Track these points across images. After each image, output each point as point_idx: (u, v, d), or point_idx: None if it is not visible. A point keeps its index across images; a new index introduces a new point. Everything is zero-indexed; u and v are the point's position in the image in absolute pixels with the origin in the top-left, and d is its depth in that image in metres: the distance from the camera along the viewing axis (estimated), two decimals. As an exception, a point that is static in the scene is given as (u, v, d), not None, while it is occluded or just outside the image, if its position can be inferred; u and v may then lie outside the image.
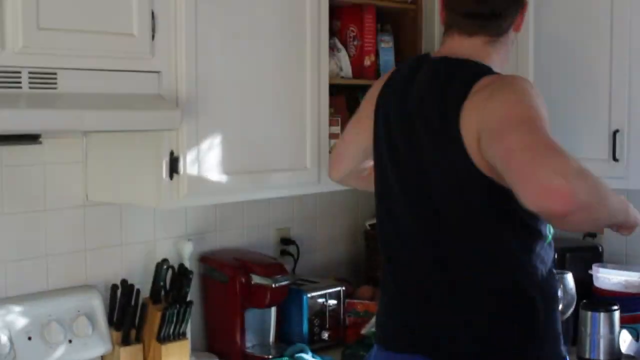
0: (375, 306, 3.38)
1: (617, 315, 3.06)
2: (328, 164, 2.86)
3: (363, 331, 3.26)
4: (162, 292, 2.93)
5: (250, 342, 3.16)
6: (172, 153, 2.62)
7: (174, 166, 2.62)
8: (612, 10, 3.17)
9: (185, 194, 2.68)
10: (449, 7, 2.29)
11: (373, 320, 3.23)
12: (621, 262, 3.42)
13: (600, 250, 3.45)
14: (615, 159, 3.12)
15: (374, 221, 3.62)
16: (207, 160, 2.73)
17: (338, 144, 2.66)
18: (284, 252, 3.58)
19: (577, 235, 3.60)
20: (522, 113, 2.04)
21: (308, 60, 3.05)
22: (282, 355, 3.09)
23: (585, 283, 3.21)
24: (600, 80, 3.21)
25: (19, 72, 2.23)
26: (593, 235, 3.55)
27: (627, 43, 3.14)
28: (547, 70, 3.40)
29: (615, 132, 3.13)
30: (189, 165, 2.66)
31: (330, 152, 3.10)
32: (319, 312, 3.30)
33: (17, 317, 2.67)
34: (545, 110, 2.09)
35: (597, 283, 3.25)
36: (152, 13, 2.52)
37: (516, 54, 3.34)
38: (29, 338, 2.66)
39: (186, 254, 3.09)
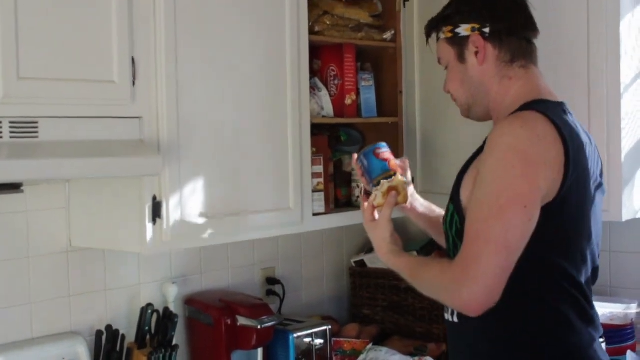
0: (361, 344, 3.41)
1: (603, 347, 2.86)
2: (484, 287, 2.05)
3: None
4: (148, 337, 2.91)
5: (237, 384, 3.13)
6: (154, 198, 2.61)
7: (156, 211, 2.61)
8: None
9: (169, 239, 2.66)
10: (512, 34, 2.19)
11: (360, 358, 3.24)
12: (606, 294, 3.39)
13: None
14: None
15: (358, 258, 3.65)
16: (190, 204, 2.71)
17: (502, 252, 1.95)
18: (269, 292, 3.56)
19: None
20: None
21: (289, 101, 3.05)
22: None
23: None
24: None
25: (0, 123, 2.23)
26: None
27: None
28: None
29: None
30: (172, 209, 2.65)
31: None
32: (306, 352, 3.28)
33: None
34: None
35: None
36: (132, 59, 2.53)
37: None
38: None
39: (171, 297, 3.08)
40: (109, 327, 2.81)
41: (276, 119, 3.02)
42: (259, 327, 3.02)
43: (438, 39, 2.28)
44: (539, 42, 2.34)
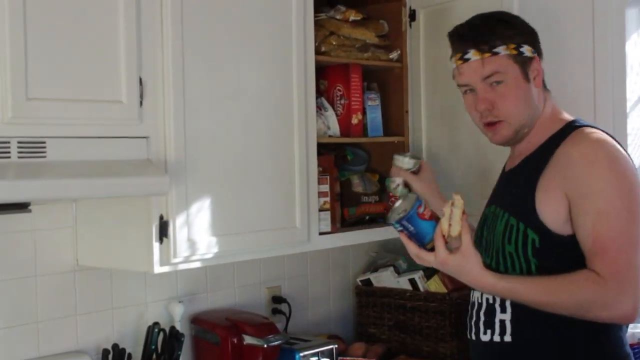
0: None
1: None
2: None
3: None
4: (154, 356, 2.90)
5: (243, 403, 3.12)
6: (161, 217, 2.61)
7: (163, 230, 2.61)
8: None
9: (176, 258, 2.67)
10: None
11: None
12: None
13: None
14: None
15: (364, 277, 3.65)
16: (196, 224, 2.71)
17: None
18: (275, 311, 3.54)
19: None
20: None
21: (295, 120, 3.05)
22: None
23: None
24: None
25: (8, 142, 2.25)
26: None
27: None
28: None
29: None
30: (178, 229, 2.65)
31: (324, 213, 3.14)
32: None
33: None
34: None
35: None
36: (140, 79, 2.54)
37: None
38: None
39: (177, 315, 3.07)
40: (115, 346, 2.80)
41: (283, 139, 3.02)
42: (265, 346, 3.01)
43: (492, 53, 2.21)
44: (547, 60, 2.44)
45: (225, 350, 3.06)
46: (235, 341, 3.06)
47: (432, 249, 2.11)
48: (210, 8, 2.79)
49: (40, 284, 2.83)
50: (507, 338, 2.19)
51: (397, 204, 2.25)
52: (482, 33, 2.23)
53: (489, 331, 2.23)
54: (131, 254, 2.74)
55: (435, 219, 2.14)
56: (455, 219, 2.11)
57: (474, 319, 2.29)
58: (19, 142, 2.27)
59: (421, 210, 2.13)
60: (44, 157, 2.33)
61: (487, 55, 2.20)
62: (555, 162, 2.17)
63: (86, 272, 2.91)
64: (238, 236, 2.87)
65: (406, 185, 2.74)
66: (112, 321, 3.00)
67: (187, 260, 2.73)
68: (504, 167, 2.45)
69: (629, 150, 3.08)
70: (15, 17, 2.32)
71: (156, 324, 2.92)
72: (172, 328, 2.98)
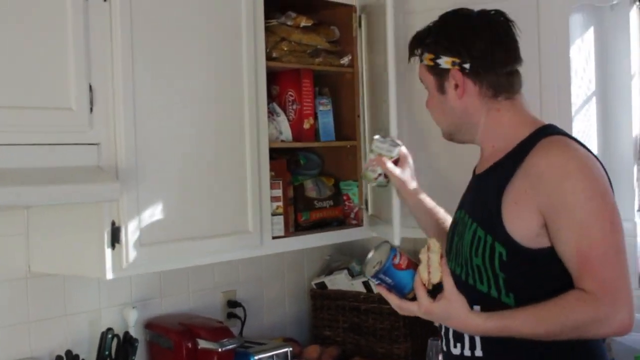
0: None
1: None
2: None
3: None
4: (110, 355, 2.91)
5: (198, 409, 3.13)
6: (113, 223, 2.61)
7: (115, 236, 2.61)
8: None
9: (128, 264, 2.66)
10: (490, 70, 2.14)
11: None
12: None
13: None
14: None
15: (319, 280, 3.67)
16: (149, 229, 2.72)
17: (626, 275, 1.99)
18: (230, 315, 3.57)
19: None
20: None
21: (247, 125, 3.06)
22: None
23: None
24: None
25: None
26: None
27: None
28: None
29: None
30: (130, 234, 2.65)
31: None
32: None
33: None
34: None
35: None
36: (90, 86, 2.54)
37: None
38: None
39: (131, 321, 3.08)
40: (68, 353, 2.82)
41: (234, 143, 3.04)
42: (220, 349, 3.03)
43: (421, 60, 2.21)
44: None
45: (179, 354, 3.08)
46: (190, 345, 3.08)
47: (414, 298, 2.01)
48: (160, 15, 2.80)
49: None
50: (478, 352, 2.10)
51: (370, 255, 2.09)
52: (415, 40, 2.23)
53: (459, 345, 2.15)
54: (83, 260, 2.73)
55: (413, 266, 2.01)
56: (434, 266, 1.99)
57: (444, 329, 2.20)
58: None
59: (397, 260, 1.99)
60: None
61: (418, 62, 2.22)
62: (523, 172, 2.06)
63: (39, 278, 2.90)
64: (191, 241, 2.87)
65: (385, 175, 2.55)
66: (66, 328, 2.99)
67: (139, 265, 2.72)
68: (474, 169, 2.35)
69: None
70: None
71: (109, 329, 2.92)
72: (126, 333, 2.99)
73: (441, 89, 2.17)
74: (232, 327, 3.42)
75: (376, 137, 2.58)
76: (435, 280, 1.96)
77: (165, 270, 3.14)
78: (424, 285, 1.97)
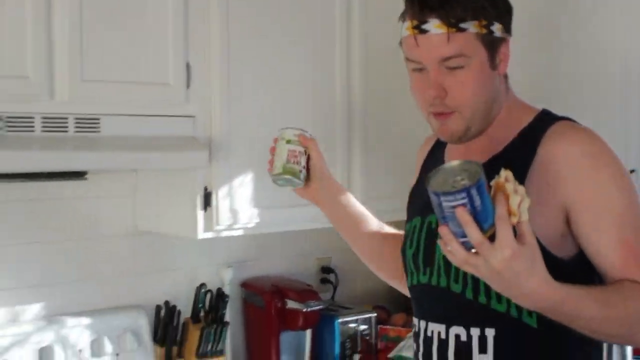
0: (406, 332, 3.48)
1: (629, 349, 2.87)
2: None
3: (390, 355, 3.37)
4: (202, 313, 3.10)
5: (286, 362, 3.29)
6: (205, 188, 2.78)
7: (207, 200, 2.78)
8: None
9: (218, 226, 2.83)
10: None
11: (401, 344, 3.36)
12: None
13: None
14: None
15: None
16: (238, 195, 2.86)
17: None
18: (324, 280, 3.69)
19: None
20: None
21: (338, 103, 3.15)
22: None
23: None
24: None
25: (66, 119, 2.44)
26: None
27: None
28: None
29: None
30: (221, 199, 2.80)
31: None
32: (352, 337, 3.40)
33: (71, 332, 2.84)
34: None
35: None
36: (187, 64, 2.71)
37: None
38: (80, 351, 2.83)
39: (226, 279, 3.25)
40: (167, 303, 3.02)
41: (323, 120, 3.12)
42: (305, 310, 3.17)
43: (458, 28, 1.70)
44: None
45: (269, 312, 3.22)
46: (279, 305, 3.22)
47: (491, 238, 1.48)
48: None
49: (101, 245, 3.02)
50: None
51: (449, 165, 1.54)
52: (456, 2, 1.70)
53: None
54: (180, 221, 2.89)
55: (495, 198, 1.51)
56: (525, 200, 1.51)
57: (435, 357, 1.83)
58: (75, 119, 2.46)
59: (487, 182, 1.50)
60: (99, 132, 2.52)
61: (452, 30, 1.69)
62: (541, 164, 1.76)
63: (144, 236, 3.08)
64: (279, 209, 2.97)
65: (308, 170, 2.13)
66: (166, 281, 3.18)
67: (229, 228, 2.88)
68: (441, 162, 1.91)
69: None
70: (73, 5, 2.48)
71: (203, 285, 3.10)
72: (219, 290, 3.16)
73: (493, 64, 1.75)
74: (324, 292, 3.55)
75: (286, 128, 2.10)
76: (524, 218, 1.48)
77: (262, 234, 3.24)
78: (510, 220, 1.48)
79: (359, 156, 3.31)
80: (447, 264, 1.74)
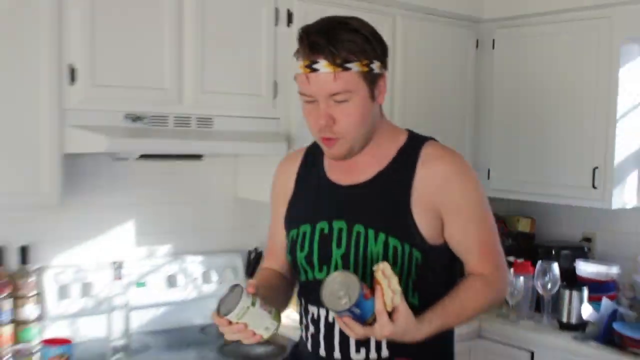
0: None
1: (585, 294, 3.11)
2: None
3: None
4: None
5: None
6: None
7: None
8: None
9: None
10: None
11: None
12: (609, 260, 3.40)
13: (587, 249, 3.50)
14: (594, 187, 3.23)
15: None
16: None
17: None
18: None
19: (574, 237, 3.67)
20: None
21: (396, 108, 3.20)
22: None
23: (571, 271, 3.30)
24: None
25: (190, 117, 2.61)
26: (588, 239, 3.62)
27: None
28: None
29: (594, 169, 3.22)
30: None
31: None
32: None
33: (189, 265, 2.99)
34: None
35: (578, 272, 3.29)
36: (275, 82, 2.85)
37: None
38: (195, 279, 2.99)
39: None
40: (255, 249, 3.15)
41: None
42: None
43: (343, 68, 1.60)
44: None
45: None
46: None
47: (371, 323, 1.56)
48: None
49: (212, 207, 3.15)
50: (384, 353, 1.73)
51: (335, 277, 1.55)
52: (337, 42, 1.60)
53: (362, 349, 1.73)
54: (264, 191, 2.57)
55: (371, 293, 1.55)
56: (397, 289, 1.57)
57: (338, 336, 1.74)
58: (197, 118, 2.62)
59: (364, 290, 1.53)
60: (212, 127, 2.66)
61: (338, 69, 1.60)
62: (424, 178, 1.73)
63: (241, 201, 3.18)
64: None
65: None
66: (256, 234, 3.21)
67: None
68: (324, 178, 1.83)
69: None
70: (197, 36, 2.62)
71: None
72: None
73: (372, 96, 1.67)
74: None
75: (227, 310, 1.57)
76: (397, 302, 1.55)
77: None
78: (386, 309, 1.54)
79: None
80: (344, 261, 1.70)
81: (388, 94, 3.06)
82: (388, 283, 1.54)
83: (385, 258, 1.67)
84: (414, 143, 1.78)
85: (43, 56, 2.32)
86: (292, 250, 1.81)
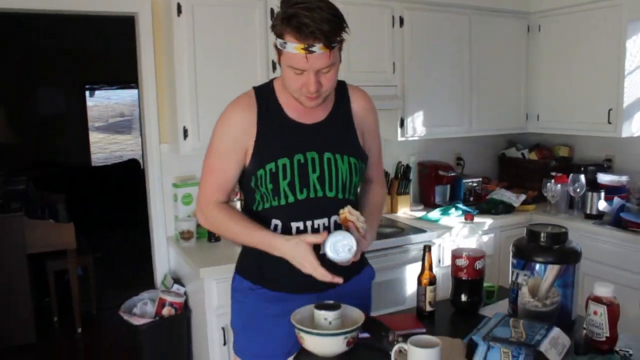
0: (495, 185, 3.67)
1: (602, 195, 3.39)
2: None
3: (487, 197, 3.69)
4: (399, 175, 3.62)
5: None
6: (401, 118, 3.34)
7: (402, 122, 3.37)
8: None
9: (407, 134, 3.37)
10: None
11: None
12: (624, 172, 3.56)
13: (606, 166, 3.67)
14: (609, 122, 3.41)
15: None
16: (416, 121, 3.42)
17: None
18: (459, 160, 4.00)
19: (599, 158, 3.83)
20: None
21: (466, 81, 3.69)
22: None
23: (594, 180, 3.52)
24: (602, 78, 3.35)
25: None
26: (609, 159, 3.76)
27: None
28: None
29: (609, 110, 3.41)
30: (408, 122, 3.38)
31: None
32: (469, 189, 3.74)
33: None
34: (217, 138, 1.72)
35: (599, 180, 3.51)
36: (394, 63, 3.31)
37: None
38: None
39: (411, 160, 3.77)
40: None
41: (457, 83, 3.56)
42: (444, 174, 3.68)
43: (332, 47, 1.62)
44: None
45: (431, 176, 3.71)
46: (433, 174, 3.67)
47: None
48: (426, 46, 3.32)
49: None
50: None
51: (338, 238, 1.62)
52: (331, 31, 1.58)
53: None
54: (391, 133, 3.35)
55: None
56: (362, 219, 1.65)
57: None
58: None
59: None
60: None
61: (329, 50, 1.60)
62: (356, 112, 1.82)
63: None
64: (435, 127, 3.47)
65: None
66: (384, 161, 3.03)
67: (412, 135, 3.42)
68: (288, 119, 1.76)
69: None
70: None
71: (400, 162, 3.66)
72: (407, 165, 3.67)
73: (340, 59, 1.67)
74: (458, 168, 3.96)
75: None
76: (365, 227, 1.70)
77: (425, 139, 3.64)
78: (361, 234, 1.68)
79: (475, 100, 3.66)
80: (320, 182, 1.72)
81: (467, 70, 3.59)
82: (357, 218, 1.61)
83: (349, 174, 1.73)
84: (341, 87, 1.79)
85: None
86: (273, 180, 1.70)
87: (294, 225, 1.72)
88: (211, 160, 1.73)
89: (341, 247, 1.58)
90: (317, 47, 1.55)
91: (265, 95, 1.74)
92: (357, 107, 1.81)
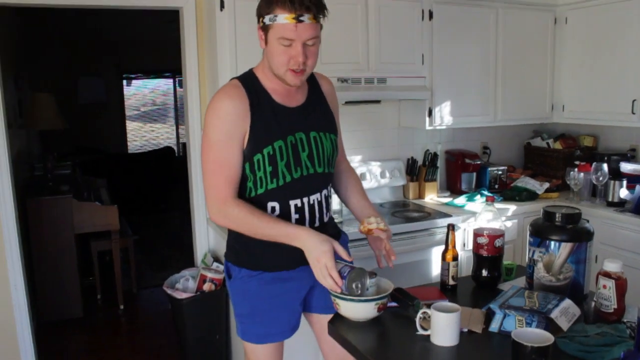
0: (520, 172, 3.74)
1: (624, 183, 3.42)
2: None
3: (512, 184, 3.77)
4: (427, 163, 3.71)
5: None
6: (429, 108, 3.42)
7: (430, 112, 3.41)
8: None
9: (435, 123, 3.45)
10: None
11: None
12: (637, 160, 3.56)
13: (629, 155, 3.69)
14: (633, 112, 3.42)
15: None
16: (443, 110, 3.48)
17: None
18: (485, 149, 4.08)
19: (623, 148, 3.86)
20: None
21: (491, 67, 3.68)
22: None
23: (618, 169, 3.59)
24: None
25: (373, 78, 3.10)
26: (633, 149, 3.78)
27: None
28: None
29: (633, 101, 3.42)
30: (436, 112, 3.44)
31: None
32: (494, 177, 3.79)
33: (372, 167, 3.51)
34: (212, 128, 1.72)
35: (622, 169, 3.57)
36: (422, 55, 3.36)
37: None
38: (375, 175, 3.52)
39: (438, 148, 3.84)
40: (412, 158, 3.68)
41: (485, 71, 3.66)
42: (470, 162, 3.75)
43: (317, 20, 1.73)
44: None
45: (457, 163, 3.78)
46: (459, 161, 3.76)
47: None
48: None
49: (385, 131, 3.62)
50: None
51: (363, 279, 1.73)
52: (319, 3, 1.71)
53: (326, 215, 1.97)
54: (419, 121, 3.50)
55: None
56: (381, 221, 1.83)
57: (318, 214, 1.93)
58: (377, 78, 3.10)
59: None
60: (386, 84, 3.14)
61: (316, 21, 1.70)
62: (326, 94, 1.95)
63: (403, 128, 3.64)
64: (460, 117, 3.52)
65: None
66: (411, 149, 3.74)
67: (439, 124, 3.48)
68: (276, 104, 1.83)
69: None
70: (377, 29, 3.13)
71: (428, 150, 3.74)
72: (435, 153, 3.74)
73: (320, 40, 1.76)
74: (484, 157, 4.06)
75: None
76: (384, 226, 1.86)
77: (453, 128, 3.72)
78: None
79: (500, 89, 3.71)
80: (310, 159, 1.82)
81: (494, 61, 3.64)
82: (375, 223, 1.80)
83: (332, 149, 1.86)
84: (310, 75, 1.86)
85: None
86: (272, 162, 1.76)
87: (292, 203, 1.80)
88: (214, 153, 1.73)
89: (355, 286, 1.67)
90: (307, 17, 1.64)
91: (250, 83, 1.79)
92: (326, 90, 1.93)
